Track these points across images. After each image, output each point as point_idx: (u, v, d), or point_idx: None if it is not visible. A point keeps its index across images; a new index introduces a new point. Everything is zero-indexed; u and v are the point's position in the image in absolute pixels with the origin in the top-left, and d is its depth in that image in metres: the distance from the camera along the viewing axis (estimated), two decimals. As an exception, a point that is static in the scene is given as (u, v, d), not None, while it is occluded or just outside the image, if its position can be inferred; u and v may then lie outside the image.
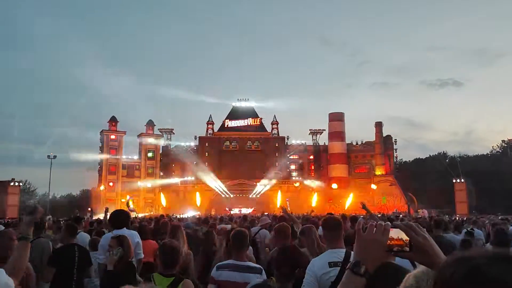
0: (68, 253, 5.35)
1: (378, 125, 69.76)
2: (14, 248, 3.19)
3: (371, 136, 70.26)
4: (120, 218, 6.17)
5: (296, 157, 71.23)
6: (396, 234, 1.37)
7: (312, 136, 73.85)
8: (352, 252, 3.31)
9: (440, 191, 58.89)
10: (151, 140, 66.26)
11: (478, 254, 0.90)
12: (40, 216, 3.10)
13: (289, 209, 38.46)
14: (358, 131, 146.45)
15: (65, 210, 52.49)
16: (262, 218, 10.83)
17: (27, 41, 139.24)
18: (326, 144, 71.64)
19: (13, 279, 2.44)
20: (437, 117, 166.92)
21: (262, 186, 62.84)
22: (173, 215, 32.12)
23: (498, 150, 74.15)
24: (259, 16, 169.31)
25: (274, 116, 73.95)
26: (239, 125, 71.58)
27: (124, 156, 63.97)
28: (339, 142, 69.49)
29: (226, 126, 72.20)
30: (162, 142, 68.93)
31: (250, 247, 5.23)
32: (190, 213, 42.72)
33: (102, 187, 60.56)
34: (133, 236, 5.64)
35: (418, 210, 46.41)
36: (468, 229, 8.86)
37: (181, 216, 32.99)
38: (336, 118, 70.45)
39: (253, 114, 72.77)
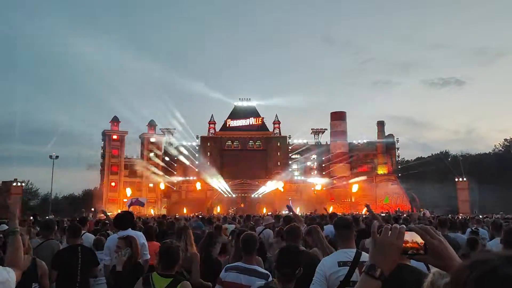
0: (71, 254, 5.32)
1: (380, 124, 69.72)
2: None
3: (373, 135, 70.32)
4: (125, 219, 6.18)
5: (298, 156, 71.23)
6: (411, 237, 1.38)
7: (314, 135, 73.87)
8: (362, 253, 3.34)
9: (442, 190, 58.82)
10: (153, 140, 66.36)
11: (494, 256, 0.91)
12: (14, 207, 3.26)
13: (297, 211, 38.60)
14: (360, 130, 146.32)
15: (67, 210, 52.66)
16: (266, 217, 10.85)
17: (27, 42, 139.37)
18: (328, 143, 71.63)
19: (17, 271, 2.71)
20: (439, 116, 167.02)
21: (267, 187, 62.61)
22: (176, 215, 32.14)
23: (501, 148, 74.05)
24: (261, 15, 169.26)
25: (276, 116, 74.05)
26: (241, 124, 71.62)
27: (126, 156, 64.08)
28: (341, 141, 69.46)
29: (228, 125, 72.24)
30: (164, 142, 69.01)
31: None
32: (192, 213, 42.78)
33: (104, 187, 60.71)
34: (138, 237, 5.65)
35: (421, 210, 46.34)
36: (473, 228, 8.87)
37: (188, 216, 32.97)
38: (338, 117, 70.41)
39: (255, 113, 72.76)
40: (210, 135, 72.57)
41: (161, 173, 65.54)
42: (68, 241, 5.85)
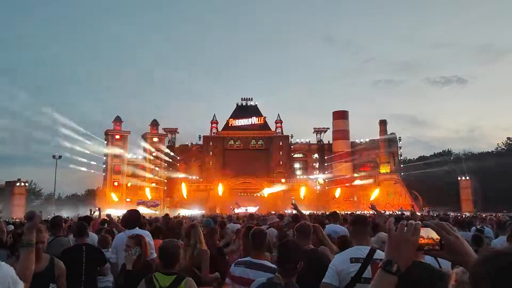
0: (75, 254, 5.33)
1: (382, 123, 69.63)
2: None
3: (375, 134, 70.26)
4: (132, 218, 6.20)
5: (301, 155, 71.22)
6: (426, 233, 1.41)
7: (316, 135, 73.83)
8: (377, 250, 3.38)
9: (445, 189, 58.73)
10: (155, 140, 66.46)
11: (509, 250, 0.94)
12: (39, 220, 3.14)
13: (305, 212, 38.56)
14: (362, 129, 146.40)
15: (70, 210, 52.72)
16: (270, 216, 10.90)
17: (26, 42, 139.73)
18: (331, 142, 71.59)
19: (25, 285, 2.49)
20: (441, 114, 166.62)
21: (271, 189, 62.53)
22: (178, 214, 32.22)
23: (503, 147, 73.77)
24: (261, 15, 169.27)
25: (278, 115, 74.06)
26: (243, 124, 71.68)
27: (128, 156, 64.19)
28: (343, 141, 69.41)
29: (230, 125, 72.31)
30: (166, 142, 69.15)
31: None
32: (195, 211, 42.82)
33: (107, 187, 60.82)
34: (145, 236, 5.68)
35: (424, 209, 46.36)
36: (478, 226, 8.88)
37: (191, 214, 33.04)
38: (340, 116, 70.37)
39: (257, 113, 72.81)
40: (212, 134, 72.65)
41: (163, 172, 65.67)
42: (77, 240, 5.87)
